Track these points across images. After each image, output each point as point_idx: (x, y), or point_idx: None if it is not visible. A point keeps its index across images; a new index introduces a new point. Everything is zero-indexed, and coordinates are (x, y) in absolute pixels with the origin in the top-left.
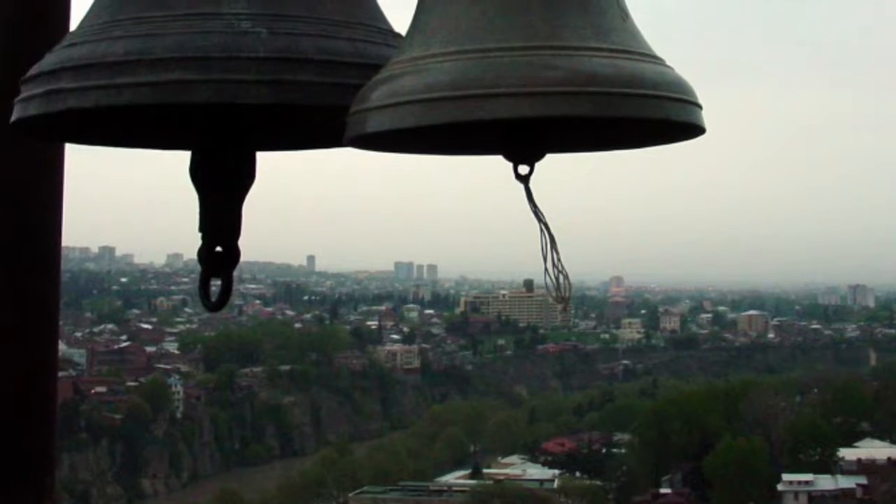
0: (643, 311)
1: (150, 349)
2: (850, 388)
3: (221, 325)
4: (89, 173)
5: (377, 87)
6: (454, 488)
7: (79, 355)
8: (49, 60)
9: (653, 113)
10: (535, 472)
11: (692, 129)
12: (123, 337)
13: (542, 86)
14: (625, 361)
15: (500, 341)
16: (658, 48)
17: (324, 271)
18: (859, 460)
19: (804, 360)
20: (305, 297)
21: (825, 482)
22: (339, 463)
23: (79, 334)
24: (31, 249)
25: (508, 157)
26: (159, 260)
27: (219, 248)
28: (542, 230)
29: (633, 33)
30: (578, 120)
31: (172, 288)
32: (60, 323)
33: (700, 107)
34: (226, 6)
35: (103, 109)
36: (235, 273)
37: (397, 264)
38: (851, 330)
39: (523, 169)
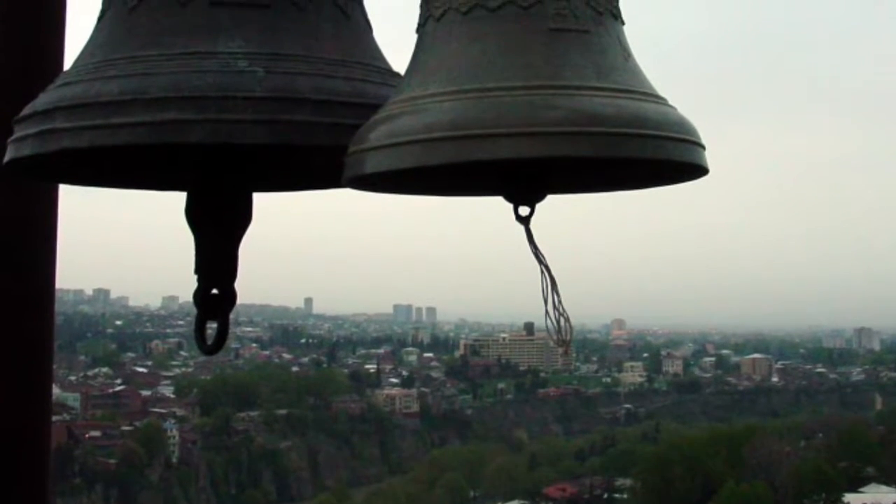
0: (645, 355)
1: (145, 393)
2: (856, 432)
3: (217, 368)
4: (83, 214)
5: (375, 127)
6: None
7: (73, 399)
8: (43, 100)
9: (655, 153)
10: None
11: (695, 170)
12: (118, 380)
13: (542, 126)
14: (627, 405)
15: (501, 385)
16: (660, 87)
17: (321, 314)
18: None
19: (809, 403)
20: (303, 340)
21: None
22: None
23: (73, 378)
24: (25, 291)
25: (509, 199)
26: (155, 302)
27: (215, 291)
28: (542, 272)
29: (636, 72)
30: (580, 160)
31: (168, 331)
32: (54, 366)
33: (703, 147)
34: (222, 45)
35: (98, 150)
36: (232, 316)
37: (396, 307)
38: (857, 373)
39: (524, 210)
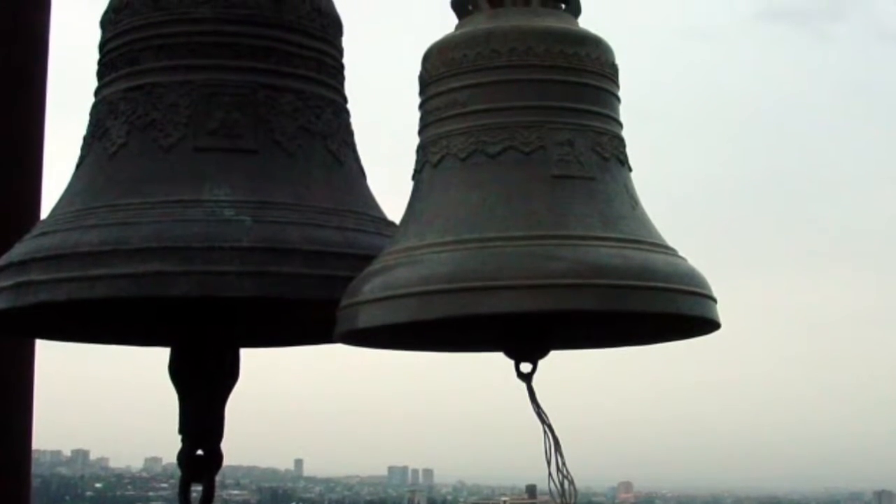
0: None
1: None
2: None
3: None
4: (62, 371)
5: (369, 279)
6: None
7: None
8: (18, 250)
9: (664, 307)
10: None
11: (707, 325)
12: None
13: (545, 278)
14: None
15: None
16: (670, 237)
17: (312, 476)
18: None
19: None
20: None
21: None
22: None
23: None
24: (0, 453)
25: (510, 355)
26: (136, 464)
27: (200, 452)
28: (545, 432)
29: (644, 221)
30: (585, 314)
31: (150, 494)
32: None
33: (715, 300)
34: (207, 193)
35: (77, 303)
36: (218, 478)
37: (391, 468)
38: None
39: (525, 367)
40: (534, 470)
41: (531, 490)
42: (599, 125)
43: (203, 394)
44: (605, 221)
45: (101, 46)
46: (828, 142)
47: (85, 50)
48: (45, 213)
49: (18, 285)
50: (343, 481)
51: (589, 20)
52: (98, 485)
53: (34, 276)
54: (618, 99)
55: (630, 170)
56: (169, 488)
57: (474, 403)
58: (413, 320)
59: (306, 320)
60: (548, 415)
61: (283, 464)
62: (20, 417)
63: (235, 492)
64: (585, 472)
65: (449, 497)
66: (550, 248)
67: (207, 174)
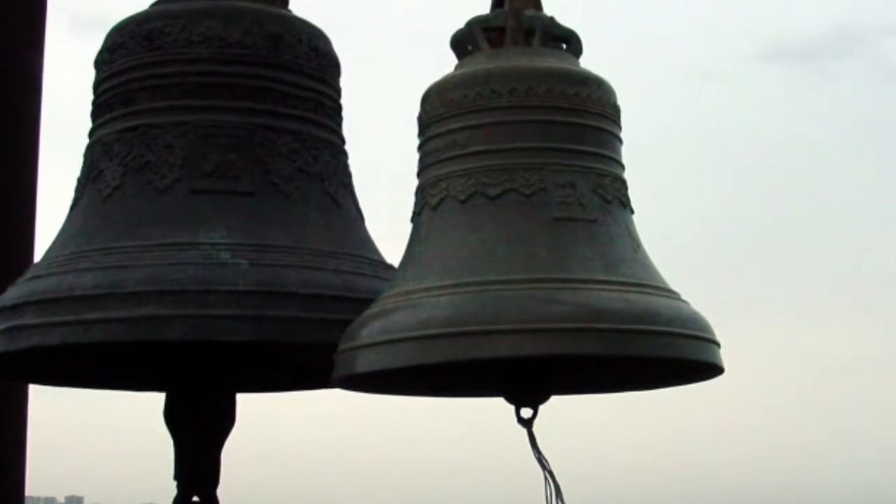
0: None
1: None
2: None
3: None
4: (56, 416)
5: (368, 323)
6: None
7: None
8: (11, 294)
9: (667, 351)
10: None
11: (710, 369)
12: None
13: (546, 322)
14: None
15: None
16: (673, 280)
17: None
18: None
19: None
20: None
21: None
22: None
23: None
24: None
25: (510, 400)
26: None
27: (196, 498)
28: (546, 478)
29: (646, 264)
30: (586, 359)
31: None
32: None
33: (718, 345)
34: (203, 235)
35: (70, 347)
36: None
37: None
38: None
39: (526, 412)
40: None
41: None
42: (601, 167)
43: (199, 439)
44: (607, 264)
45: (96, 87)
46: (832, 183)
47: (79, 90)
48: (38, 255)
49: (11, 329)
50: None
51: (590, 60)
52: None
53: (28, 320)
54: (620, 140)
55: (632, 212)
56: None
57: (473, 450)
58: (412, 365)
59: (304, 364)
60: (548, 461)
61: None
62: (13, 463)
63: None
64: None
65: None
66: (551, 291)
67: (203, 216)
